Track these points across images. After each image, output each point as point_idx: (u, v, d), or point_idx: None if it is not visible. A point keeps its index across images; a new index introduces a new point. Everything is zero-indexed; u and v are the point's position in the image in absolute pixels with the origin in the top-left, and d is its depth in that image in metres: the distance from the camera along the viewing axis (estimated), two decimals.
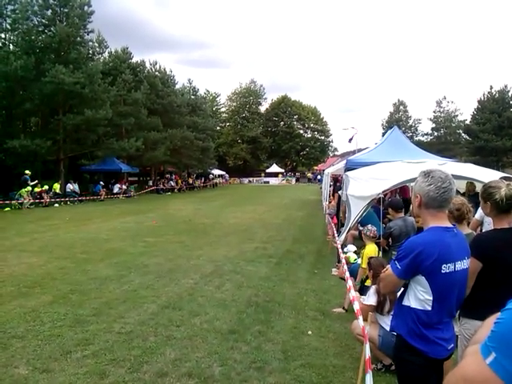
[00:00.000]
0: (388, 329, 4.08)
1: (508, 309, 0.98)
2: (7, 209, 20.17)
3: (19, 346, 4.57)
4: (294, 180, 63.88)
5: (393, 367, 4.03)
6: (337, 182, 17.81)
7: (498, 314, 1.00)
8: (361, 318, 3.96)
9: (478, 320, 2.65)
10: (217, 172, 58.44)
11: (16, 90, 25.16)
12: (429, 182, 2.26)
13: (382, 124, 67.28)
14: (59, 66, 24.06)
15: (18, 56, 23.91)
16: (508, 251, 2.64)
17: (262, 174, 67.42)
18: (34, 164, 25.49)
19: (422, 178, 2.32)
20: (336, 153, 78.30)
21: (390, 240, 6.76)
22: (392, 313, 4.07)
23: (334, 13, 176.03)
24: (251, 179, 65.20)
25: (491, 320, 1.05)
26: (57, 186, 24.84)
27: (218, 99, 74.64)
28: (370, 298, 4.31)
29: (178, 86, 44.97)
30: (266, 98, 76.40)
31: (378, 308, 4.19)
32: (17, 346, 4.55)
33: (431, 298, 2.21)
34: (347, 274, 5.81)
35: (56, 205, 23.11)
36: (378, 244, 6.80)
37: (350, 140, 39.09)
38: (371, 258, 5.23)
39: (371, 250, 6.49)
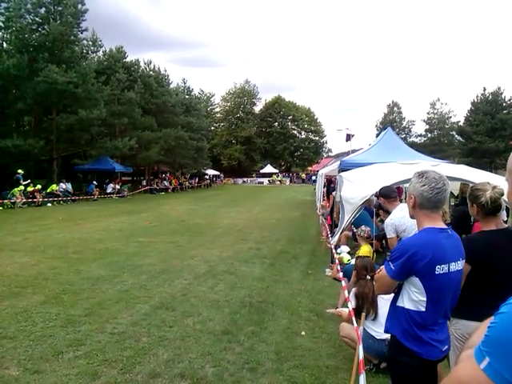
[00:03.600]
0: (368, 331, 4.09)
1: (501, 312, 0.97)
2: None
3: (10, 346, 4.53)
4: (287, 181, 63.90)
5: (382, 365, 4.04)
6: (331, 184, 17.84)
7: (492, 318, 1.00)
8: (353, 319, 3.97)
9: (468, 320, 2.67)
10: (212, 172, 58.34)
11: (9, 89, 25.00)
12: (423, 183, 2.27)
13: (376, 125, 67.46)
14: (52, 65, 23.93)
15: (11, 54, 23.77)
16: (496, 252, 2.66)
17: (254, 175, 67.40)
18: (26, 163, 25.33)
19: (416, 179, 2.33)
20: (330, 154, 78.54)
21: (384, 241, 6.78)
22: (371, 318, 4.10)
23: (329, 14, 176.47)
24: (245, 179, 65.21)
25: (485, 324, 1.04)
26: (55, 187, 24.69)
27: (212, 99, 74.52)
28: (350, 303, 4.32)
29: (172, 86, 44.94)
30: (260, 98, 76.45)
31: (357, 312, 4.16)
32: (8, 347, 4.50)
33: (425, 299, 2.20)
34: (340, 275, 5.82)
35: (49, 204, 22.95)
36: (372, 245, 6.82)
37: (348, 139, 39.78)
38: (358, 257, 5.20)
39: (366, 250, 6.51)
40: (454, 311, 2.74)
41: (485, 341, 0.97)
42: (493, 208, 2.72)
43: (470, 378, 0.98)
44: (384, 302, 3.85)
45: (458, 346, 2.74)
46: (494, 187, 2.74)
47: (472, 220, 7.97)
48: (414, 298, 2.23)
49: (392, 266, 2.25)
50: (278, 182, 61.90)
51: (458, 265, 2.29)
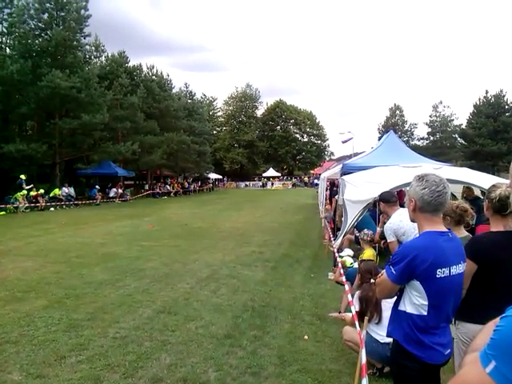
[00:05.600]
0: (372, 335, 4.08)
1: (507, 316, 0.95)
2: (2, 213, 20.08)
3: (13, 351, 4.53)
4: (289, 184, 63.77)
5: (385, 369, 4.02)
6: (334, 187, 17.81)
7: (497, 321, 0.99)
8: (356, 323, 3.96)
9: (473, 323, 2.65)
10: (214, 176, 58.38)
11: (12, 94, 25.09)
12: (423, 186, 2.26)
13: (378, 128, 67.50)
14: (56, 70, 24.05)
15: (14, 60, 23.88)
16: (502, 253, 2.64)
17: (256, 178, 67.52)
18: (29, 168, 25.41)
19: (416, 182, 2.32)
20: (332, 157, 78.67)
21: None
22: (375, 321, 4.09)
23: (331, 17, 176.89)
24: (248, 183, 65.24)
25: (490, 326, 1.03)
26: (57, 192, 24.75)
27: (214, 103, 74.75)
28: (354, 307, 4.31)
29: (174, 90, 45.07)
30: (261, 102, 76.44)
31: (360, 315, 4.15)
32: (10, 351, 4.51)
33: (426, 303, 2.19)
34: (343, 279, 5.81)
35: (52, 209, 23.03)
36: (375, 248, 6.81)
37: (345, 142, 39.99)
38: (362, 261, 5.18)
39: (369, 254, 6.49)
40: (459, 315, 2.73)
41: (491, 344, 0.96)
42: (499, 205, 2.71)
43: (475, 382, 0.97)
44: (388, 306, 3.83)
45: (464, 350, 2.72)
46: (509, 186, 2.74)
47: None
48: (415, 301, 2.22)
49: (393, 270, 2.24)
50: (280, 185, 61.86)
51: (459, 268, 2.28)
